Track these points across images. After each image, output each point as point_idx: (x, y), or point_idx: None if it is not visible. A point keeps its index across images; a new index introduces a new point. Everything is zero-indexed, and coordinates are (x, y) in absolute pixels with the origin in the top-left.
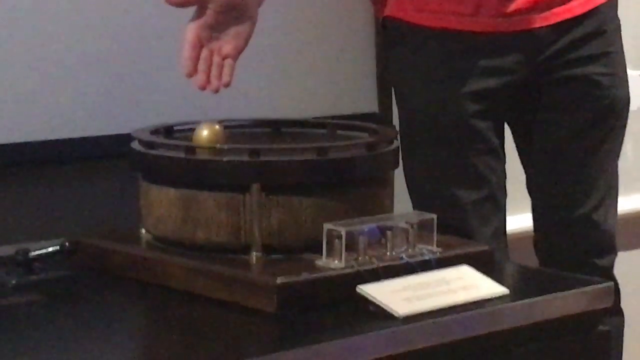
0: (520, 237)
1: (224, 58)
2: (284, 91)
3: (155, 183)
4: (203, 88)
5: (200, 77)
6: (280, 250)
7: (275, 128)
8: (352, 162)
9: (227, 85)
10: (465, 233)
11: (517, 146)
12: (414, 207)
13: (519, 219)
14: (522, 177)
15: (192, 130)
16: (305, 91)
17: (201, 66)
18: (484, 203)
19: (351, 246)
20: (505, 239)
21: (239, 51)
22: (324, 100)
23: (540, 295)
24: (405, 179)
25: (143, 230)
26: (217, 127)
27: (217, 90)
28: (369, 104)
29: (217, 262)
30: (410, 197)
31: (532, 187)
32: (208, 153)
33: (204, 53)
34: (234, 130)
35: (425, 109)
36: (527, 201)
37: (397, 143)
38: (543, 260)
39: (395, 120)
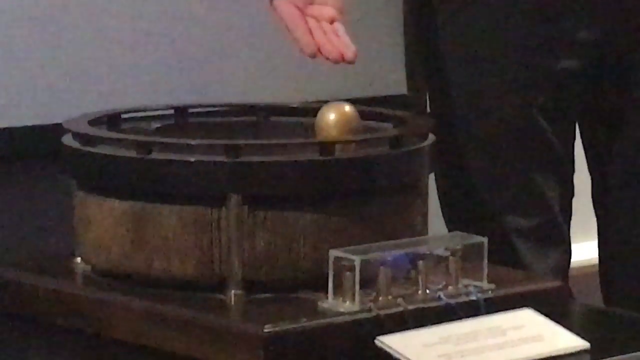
0: (578, 269)
1: (330, 22)
2: (289, 72)
3: (95, 193)
4: (338, 60)
5: (329, 49)
6: (269, 287)
7: (262, 116)
8: (369, 163)
9: (356, 54)
10: (515, 268)
11: (585, 146)
12: (449, 229)
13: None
14: (583, 191)
15: (146, 119)
16: (314, 70)
17: (320, 37)
18: (543, 230)
19: (368, 281)
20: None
21: (340, 10)
22: (339, 80)
23: (630, 349)
24: (437, 190)
25: (78, 259)
26: (347, 108)
27: (353, 60)
28: (396, 83)
29: (181, 303)
30: (444, 216)
31: (602, 201)
32: (170, 151)
33: (312, 23)
34: (204, 119)
35: (472, 98)
36: (588, 224)
37: (432, 138)
38: (611, 299)
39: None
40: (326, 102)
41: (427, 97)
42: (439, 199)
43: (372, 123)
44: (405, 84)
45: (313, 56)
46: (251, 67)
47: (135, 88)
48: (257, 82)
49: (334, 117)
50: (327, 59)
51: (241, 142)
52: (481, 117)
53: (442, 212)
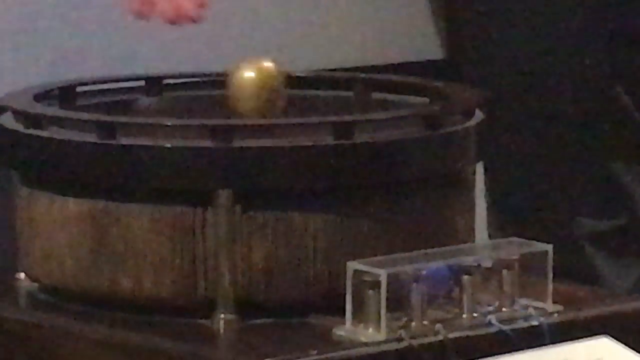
0: None
1: None
2: (311, 35)
3: (43, 189)
4: (175, 20)
5: (163, 5)
6: (269, 310)
7: None
8: (398, 149)
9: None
10: (588, 283)
11: None
12: (501, 233)
13: None
14: None
15: (110, 93)
16: (335, 35)
17: None
18: (623, 236)
19: (398, 302)
20: None
21: None
22: (363, 44)
23: None
24: (487, 183)
25: (21, 275)
26: (270, 66)
27: (197, 18)
28: (430, 45)
29: (155, 332)
30: (495, 216)
31: None
32: (140, 135)
33: None
34: (184, 92)
35: (534, 67)
36: None
37: (480, 116)
38: None
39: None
40: (354, 70)
41: (470, 64)
42: (489, 194)
43: (402, 97)
44: (442, 46)
45: (140, 15)
46: (253, 27)
47: (95, 53)
48: (264, 46)
49: (253, 76)
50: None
51: (232, 122)
52: (545, 92)
53: (493, 211)
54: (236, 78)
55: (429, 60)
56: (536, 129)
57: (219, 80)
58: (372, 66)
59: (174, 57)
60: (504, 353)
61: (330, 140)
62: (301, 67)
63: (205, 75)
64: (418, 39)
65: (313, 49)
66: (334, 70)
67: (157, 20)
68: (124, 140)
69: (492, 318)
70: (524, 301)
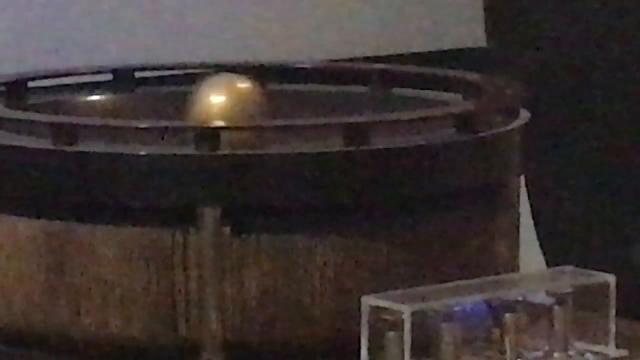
0: None
1: None
2: (321, 18)
3: None
4: None
5: None
6: (265, 355)
7: (258, 79)
8: (424, 156)
9: None
10: None
11: None
12: (551, 261)
13: None
14: None
15: (69, 89)
16: (352, 13)
17: None
18: None
19: (425, 346)
20: None
21: None
22: (384, 28)
23: None
24: (529, 196)
25: None
26: (244, 85)
27: None
28: (470, 31)
29: None
30: (542, 239)
31: None
32: (106, 140)
33: None
34: (159, 88)
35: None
36: None
37: (527, 116)
38: None
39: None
40: (370, 60)
41: (515, 54)
42: (533, 212)
43: (429, 93)
44: (482, 29)
45: None
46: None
47: (53, 40)
48: (266, 32)
49: (223, 100)
50: None
51: (220, 124)
52: (602, 88)
53: (540, 233)
54: (201, 102)
55: (464, 49)
56: (588, 133)
57: (204, 74)
58: (393, 55)
59: (150, 46)
60: None
61: (340, 146)
62: (308, 56)
63: (186, 67)
64: (450, 21)
65: (323, 35)
66: (347, 60)
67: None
68: (86, 147)
69: None
70: (580, 345)
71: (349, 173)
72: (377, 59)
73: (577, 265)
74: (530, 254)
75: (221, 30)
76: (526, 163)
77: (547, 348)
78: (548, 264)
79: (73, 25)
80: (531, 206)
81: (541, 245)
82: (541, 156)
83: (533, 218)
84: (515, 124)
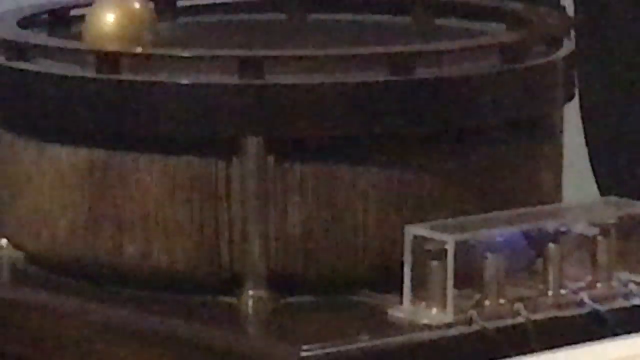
0: None
1: None
2: None
3: (30, 135)
4: None
5: None
6: (308, 286)
7: (301, 12)
8: (468, 87)
9: None
10: None
11: None
12: (602, 190)
13: None
14: None
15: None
16: None
17: None
18: None
19: (468, 277)
20: None
21: None
22: None
23: None
24: (585, 132)
25: (3, 241)
26: (135, 4)
27: None
28: None
29: (169, 311)
30: (593, 170)
31: None
32: (149, 69)
33: None
34: (206, 17)
35: None
36: None
37: (572, 46)
38: None
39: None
40: None
41: None
42: (587, 143)
43: (473, 23)
44: None
45: None
46: None
47: None
48: None
49: (113, 19)
50: None
51: (263, 52)
52: None
53: (592, 164)
54: (93, 20)
55: None
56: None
57: (245, 2)
58: None
59: None
60: (599, 339)
61: (384, 75)
62: None
63: None
64: None
65: None
66: None
67: None
68: (129, 76)
69: (584, 296)
70: (623, 275)
71: (393, 103)
72: None
73: (631, 194)
74: (576, 186)
75: None
76: (574, 92)
77: (590, 278)
78: (601, 191)
79: None
80: (585, 137)
81: (594, 173)
82: (587, 85)
83: (587, 145)
84: (559, 54)
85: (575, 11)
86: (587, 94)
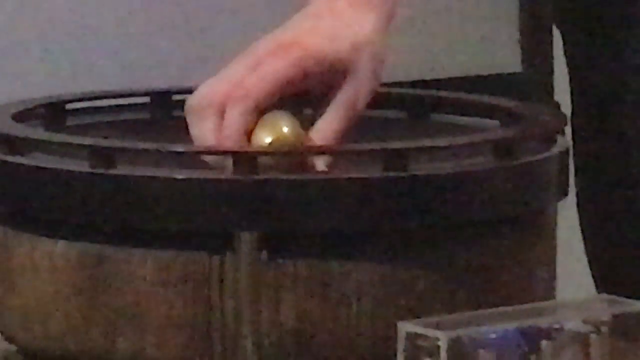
0: None
1: None
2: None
3: (24, 229)
4: None
5: None
6: None
7: (299, 108)
8: (462, 183)
9: None
10: None
11: None
12: (599, 287)
13: None
14: None
15: (106, 111)
16: (398, 42)
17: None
18: None
19: None
20: None
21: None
22: (419, 52)
23: None
24: (581, 223)
25: None
26: (285, 130)
27: None
28: (507, 56)
29: None
30: (591, 268)
31: None
32: (143, 164)
33: None
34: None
35: None
36: None
37: (565, 142)
38: None
39: (561, 90)
40: (407, 85)
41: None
42: (584, 241)
43: (467, 119)
44: (519, 55)
45: None
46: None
47: (91, 63)
48: None
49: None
50: None
51: (255, 149)
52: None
53: (590, 262)
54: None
55: (501, 74)
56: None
57: None
58: (430, 80)
59: (187, 69)
60: None
61: (378, 171)
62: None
63: None
64: (487, 46)
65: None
66: (383, 85)
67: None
68: (124, 170)
69: None
70: None
71: (387, 199)
72: (413, 84)
73: (628, 289)
74: (569, 282)
75: None
76: (566, 189)
77: None
78: (598, 288)
79: (107, 48)
80: (582, 232)
81: (591, 268)
82: (587, 184)
83: (584, 240)
84: (553, 151)
85: (573, 111)
86: (584, 191)
